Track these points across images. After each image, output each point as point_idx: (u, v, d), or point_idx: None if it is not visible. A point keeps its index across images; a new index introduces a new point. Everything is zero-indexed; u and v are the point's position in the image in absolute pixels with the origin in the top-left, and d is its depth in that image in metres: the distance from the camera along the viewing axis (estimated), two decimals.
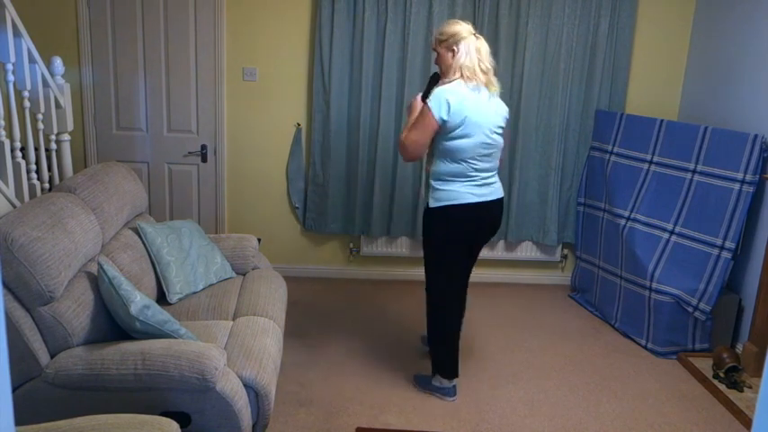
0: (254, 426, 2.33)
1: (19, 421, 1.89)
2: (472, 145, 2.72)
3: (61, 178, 3.25)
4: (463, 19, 3.99)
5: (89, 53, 4.09)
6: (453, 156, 2.74)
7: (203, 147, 4.26)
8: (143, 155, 4.25)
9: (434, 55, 2.87)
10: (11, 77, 2.76)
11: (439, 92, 2.69)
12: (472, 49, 2.73)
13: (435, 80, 2.84)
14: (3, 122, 2.68)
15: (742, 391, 3.12)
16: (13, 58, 2.75)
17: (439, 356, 3.02)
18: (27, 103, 2.91)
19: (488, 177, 2.84)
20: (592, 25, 4.11)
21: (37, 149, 2.99)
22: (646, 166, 3.80)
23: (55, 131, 3.17)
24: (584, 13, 4.10)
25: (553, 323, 3.92)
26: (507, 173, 4.29)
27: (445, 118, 2.66)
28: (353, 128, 4.19)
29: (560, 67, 4.13)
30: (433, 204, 2.82)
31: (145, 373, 2.14)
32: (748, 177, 3.33)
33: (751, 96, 3.59)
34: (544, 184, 4.29)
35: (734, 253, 3.39)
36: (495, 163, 2.88)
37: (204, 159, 4.28)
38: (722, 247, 3.40)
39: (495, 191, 2.88)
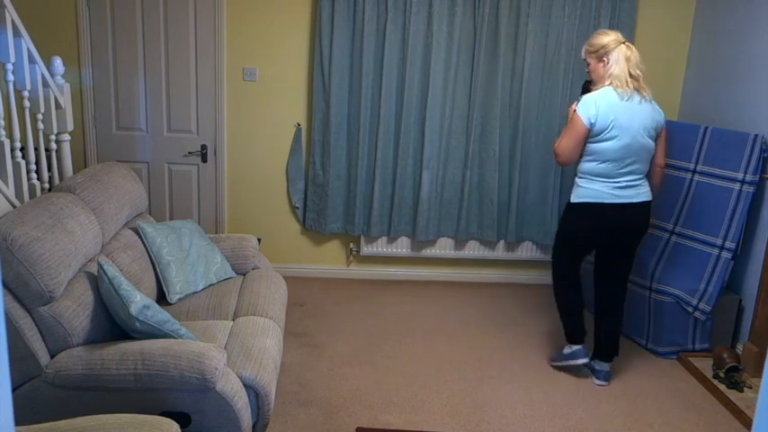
0: (254, 426, 2.33)
1: (19, 421, 1.89)
2: (618, 147, 2.88)
3: (61, 178, 3.25)
4: (463, 19, 4.05)
5: (89, 53, 4.09)
6: (599, 156, 2.92)
7: (203, 147, 4.26)
8: (143, 155, 4.25)
9: (587, 65, 3.05)
10: (11, 77, 2.76)
11: (587, 98, 2.90)
12: (621, 58, 2.88)
13: (586, 87, 3.06)
14: (3, 122, 2.68)
15: (742, 391, 3.12)
16: (13, 58, 2.75)
17: (566, 326, 3.26)
18: (27, 103, 2.90)
19: (634, 180, 2.96)
20: (592, 25, 4.11)
21: (37, 149, 2.99)
22: None
23: (55, 131, 3.17)
24: (584, 13, 4.09)
25: (553, 323, 3.91)
26: (507, 173, 4.30)
27: (593, 121, 2.86)
28: (353, 128, 4.19)
29: (560, 67, 4.13)
30: (573, 200, 3.04)
31: (145, 373, 2.14)
32: (748, 177, 3.33)
33: (751, 96, 3.59)
34: (544, 184, 4.29)
35: (734, 253, 3.39)
36: (644, 166, 2.99)
37: (204, 159, 4.28)
38: (722, 248, 3.40)
39: (639, 194, 2.98)
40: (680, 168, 3.63)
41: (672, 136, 3.70)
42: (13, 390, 2.15)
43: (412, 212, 4.33)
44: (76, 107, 4.04)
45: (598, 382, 3.21)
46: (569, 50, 4.11)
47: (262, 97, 4.23)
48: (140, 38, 4.08)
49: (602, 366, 3.22)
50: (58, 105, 3.16)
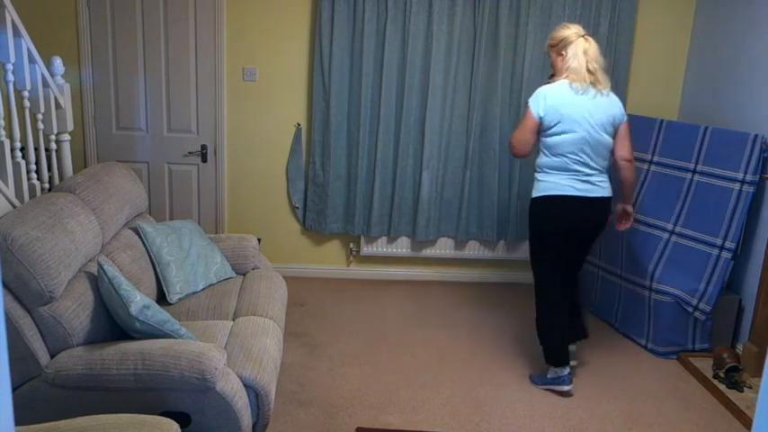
0: (254, 426, 2.33)
1: (19, 421, 1.89)
2: (571, 141, 2.88)
3: (61, 178, 3.25)
4: (463, 19, 4.05)
5: (89, 53, 4.09)
6: (553, 150, 2.92)
7: (203, 147, 4.26)
8: (143, 155, 4.25)
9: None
10: (11, 77, 2.76)
11: (539, 91, 2.92)
12: (580, 51, 2.88)
13: (550, 82, 3.03)
14: (3, 122, 2.68)
15: (742, 391, 3.12)
16: (13, 58, 2.75)
17: (545, 345, 3.11)
18: (27, 103, 2.90)
19: (592, 175, 2.94)
20: (592, 25, 4.11)
21: (37, 149, 2.99)
22: (646, 166, 3.80)
23: (55, 131, 3.16)
24: (585, 13, 4.09)
25: None
26: (507, 173, 4.30)
27: (542, 114, 2.87)
28: (353, 128, 4.19)
29: None
30: (534, 194, 3.01)
31: (145, 373, 2.14)
32: (748, 177, 3.33)
33: (751, 96, 3.59)
34: None
35: (734, 253, 3.39)
36: (600, 161, 2.97)
37: (204, 159, 4.28)
38: (722, 248, 3.40)
39: (598, 189, 2.95)
40: (680, 168, 3.63)
41: (672, 136, 3.71)
42: (13, 390, 2.15)
43: (412, 212, 4.33)
44: (76, 107, 4.04)
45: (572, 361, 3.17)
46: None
47: (262, 97, 4.23)
48: (140, 38, 4.08)
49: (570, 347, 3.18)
50: (58, 105, 3.16)
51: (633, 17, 4.15)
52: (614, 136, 2.98)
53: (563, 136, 2.88)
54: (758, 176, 3.33)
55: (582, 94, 2.86)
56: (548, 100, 2.86)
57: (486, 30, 4.06)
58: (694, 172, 3.56)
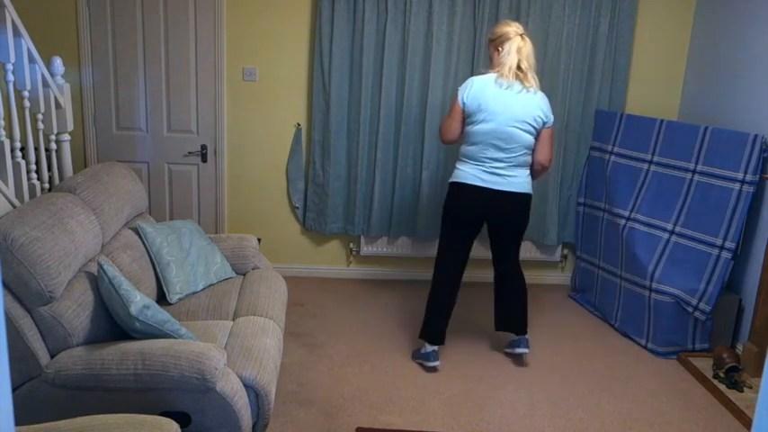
0: (254, 426, 2.33)
1: (19, 421, 1.89)
2: (485, 131, 2.97)
3: (61, 178, 3.25)
4: (463, 19, 4.05)
5: (89, 53, 4.09)
6: (468, 139, 3.04)
7: (203, 147, 4.26)
8: (143, 155, 4.25)
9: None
10: (11, 77, 2.76)
11: (468, 80, 3.06)
12: (513, 49, 2.98)
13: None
14: (3, 122, 2.68)
15: (742, 391, 3.12)
16: (13, 58, 2.75)
17: (425, 318, 3.26)
18: (27, 103, 2.90)
19: (501, 168, 3.00)
20: (592, 25, 4.11)
21: (37, 149, 2.99)
22: (646, 166, 3.80)
23: (55, 131, 3.17)
24: (584, 14, 4.10)
25: (553, 323, 3.92)
26: None
27: (465, 101, 2.99)
28: (353, 128, 4.19)
29: (560, 68, 4.13)
30: (450, 180, 3.14)
31: (145, 373, 2.14)
32: (748, 177, 3.33)
33: (751, 96, 3.59)
34: (544, 183, 4.29)
35: (734, 253, 3.39)
36: (516, 157, 3.02)
37: (204, 159, 4.28)
38: (722, 247, 3.40)
39: (507, 183, 3.01)
40: (680, 168, 3.63)
41: (672, 136, 3.71)
42: (13, 390, 2.15)
43: (412, 212, 4.33)
44: (76, 107, 4.04)
45: (521, 350, 3.30)
46: (569, 50, 4.11)
47: (262, 97, 4.23)
48: (140, 38, 4.08)
49: (521, 337, 3.31)
50: (58, 105, 3.16)
51: (633, 17, 4.15)
52: (537, 137, 3.07)
53: (480, 125, 2.98)
54: (758, 176, 3.33)
55: (506, 88, 2.95)
56: (473, 89, 2.98)
57: (486, 30, 4.05)
58: (694, 172, 3.56)
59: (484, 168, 3.01)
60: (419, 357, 3.28)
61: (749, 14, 3.66)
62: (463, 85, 3.06)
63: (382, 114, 4.14)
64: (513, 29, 2.99)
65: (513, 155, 3.01)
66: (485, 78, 3.00)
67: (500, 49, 3.00)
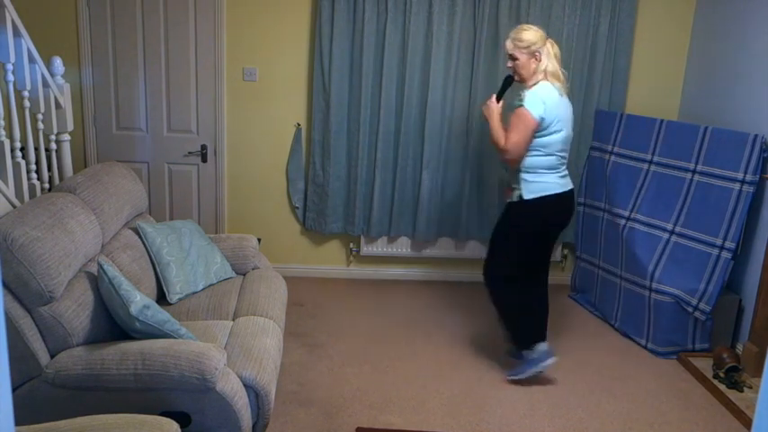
0: (254, 426, 2.33)
1: (19, 421, 1.89)
2: (560, 139, 2.99)
3: (61, 178, 3.25)
4: (463, 19, 4.05)
5: (89, 53, 4.09)
6: (545, 149, 2.98)
7: (203, 147, 4.26)
8: (143, 155, 4.25)
9: (508, 59, 3.05)
10: (11, 77, 2.76)
11: (533, 94, 2.93)
12: (552, 54, 2.98)
13: (509, 82, 3.11)
14: (3, 122, 2.68)
15: (742, 391, 3.12)
16: (13, 58, 2.75)
17: (526, 326, 3.17)
18: (27, 103, 2.91)
19: (564, 169, 3.11)
20: (592, 26, 4.11)
21: (37, 149, 2.99)
22: (646, 166, 3.80)
23: (55, 131, 3.17)
24: (584, 14, 4.10)
25: (553, 323, 3.90)
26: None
27: (543, 116, 2.91)
28: (353, 128, 4.19)
29: None
30: (528, 196, 3.01)
31: (145, 373, 2.14)
32: (748, 177, 3.33)
33: (751, 96, 3.59)
34: None
35: (734, 253, 3.39)
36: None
37: (204, 159, 4.28)
38: (722, 247, 3.40)
39: (570, 182, 3.13)
40: (680, 168, 3.63)
41: (672, 136, 3.71)
42: (13, 390, 2.15)
43: (412, 212, 4.33)
44: (76, 107, 4.04)
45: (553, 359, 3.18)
46: (569, 50, 4.11)
47: (262, 97, 4.23)
48: (140, 38, 4.08)
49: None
50: (58, 105, 3.16)
51: (633, 17, 4.15)
52: None
53: (555, 135, 2.97)
54: (758, 176, 3.33)
55: (561, 95, 3.00)
56: (546, 102, 2.91)
57: (486, 30, 4.06)
58: (694, 172, 3.56)
59: (559, 174, 3.05)
60: (535, 362, 3.12)
61: (749, 14, 3.66)
62: (530, 101, 2.90)
63: (382, 114, 4.13)
64: (541, 34, 2.98)
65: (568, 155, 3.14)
66: (549, 88, 2.95)
67: (537, 55, 2.96)
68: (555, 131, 2.96)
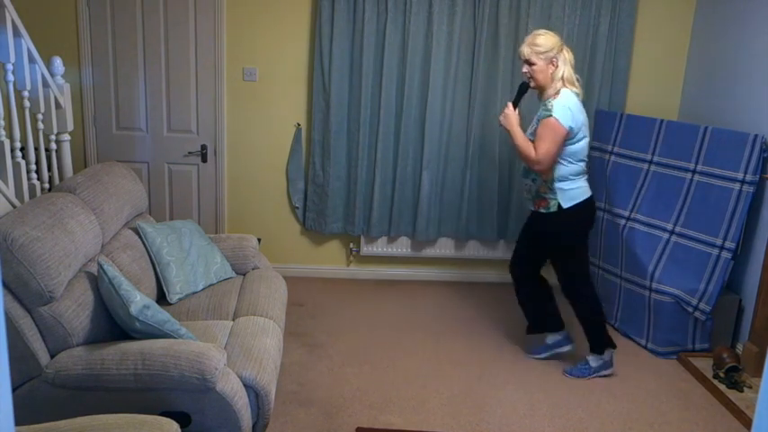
0: (254, 426, 2.33)
1: (19, 421, 1.89)
2: (585, 145, 3.04)
3: (61, 178, 3.25)
4: (463, 19, 4.05)
5: (89, 53, 4.09)
6: (574, 156, 3.01)
7: (203, 147, 4.26)
8: (143, 155, 4.25)
9: (522, 64, 3.04)
10: (11, 77, 2.76)
11: (560, 103, 2.91)
12: (568, 60, 2.99)
13: (524, 88, 3.08)
14: (3, 122, 2.68)
15: (742, 391, 3.12)
16: (13, 58, 2.75)
17: (599, 331, 3.24)
18: (27, 103, 2.91)
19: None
20: (592, 25, 4.11)
21: (37, 149, 2.99)
22: (646, 166, 3.80)
23: (55, 131, 3.17)
24: (584, 14, 4.10)
25: None
26: (507, 173, 4.30)
27: (572, 125, 2.92)
28: (353, 128, 4.19)
29: None
30: (567, 204, 3.03)
31: (145, 373, 2.14)
32: (748, 177, 3.33)
33: (751, 96, 3.59)
34: None
35: (734, 253, 3.39)
36: None
37: (204, 159, 4.28)
38: (722, 247, 3.40)
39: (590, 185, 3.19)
40: (680, 168, 3.63)
41: (672, 136, 3.71)
42: (13, 390, 2.15)
43: (412, 212, 4.33)
44: (76, 107, 4.04)
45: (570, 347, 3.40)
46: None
47: (262, 97, 4.23)
48: (140, 38, 4.08)
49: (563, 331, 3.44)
50: (58, 105, 3.16)
51: (633, 17, 4.15)
52: None
53: (581, 142, 3.01)
54: (758, 176, 3.33)
55: (581, 100, 3.02)
56: (573, 110, 2.93)
57: (486, 30, 4.06)
58: (694, 172, 3.56)
59: (586, 178, 3.12)
60: (600, 368, 3.25)
61: (749, 14, 3.66)
62: (559, 110, 2.89)
63: (382, 114, 4.13)
64: (557, 39, 2.98)
65: None
66: (572, 96, 2.95)
67: (554, 61, 2.95)
68: (581, 138, 3.00)
